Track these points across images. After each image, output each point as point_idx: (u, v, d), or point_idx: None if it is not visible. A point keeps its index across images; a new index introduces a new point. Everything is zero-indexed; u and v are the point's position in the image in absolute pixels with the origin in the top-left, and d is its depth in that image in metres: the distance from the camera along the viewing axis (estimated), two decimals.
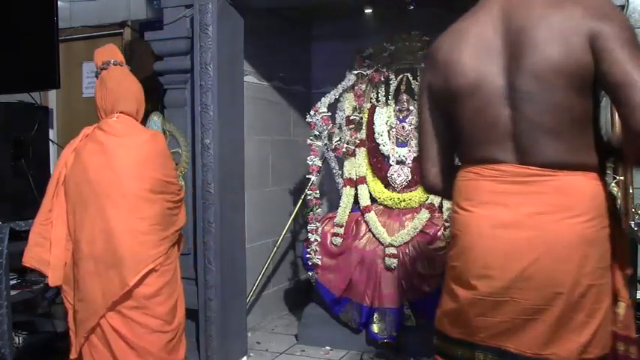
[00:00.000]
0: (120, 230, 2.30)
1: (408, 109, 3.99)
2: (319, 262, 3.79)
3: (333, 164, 4.01)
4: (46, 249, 2.42)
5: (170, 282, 2.43)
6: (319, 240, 3.81)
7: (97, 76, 2.59)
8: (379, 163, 4.02)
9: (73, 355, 2.43)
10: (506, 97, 1.60)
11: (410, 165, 3.94)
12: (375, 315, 3.67)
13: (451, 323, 1.74)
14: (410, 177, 3.93)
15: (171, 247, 2.48)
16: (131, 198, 2.31)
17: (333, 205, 4.32)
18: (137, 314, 2.31)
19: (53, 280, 2.42)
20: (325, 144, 3.89)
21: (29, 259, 2.42)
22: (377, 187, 4.00)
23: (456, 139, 1.77)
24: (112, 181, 2.33)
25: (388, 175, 3.97)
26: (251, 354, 3.83)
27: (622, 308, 1.67)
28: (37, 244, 2.43)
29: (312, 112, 3.81)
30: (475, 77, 1.63)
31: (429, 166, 1.82)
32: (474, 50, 1.65)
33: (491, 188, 1.64)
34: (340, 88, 3.99)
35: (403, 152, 3.96)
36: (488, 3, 1.68)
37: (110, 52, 2.64)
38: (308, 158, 3.82)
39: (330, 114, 3.87)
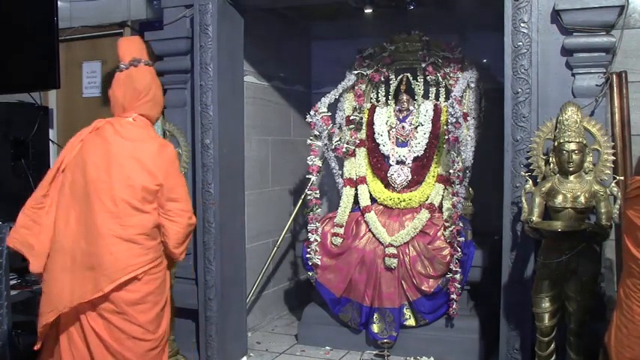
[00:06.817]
0: (104, 234, 2.24)
1: (408, 109, 3.98)
2: (319, 262, 3.79)
3: (333, 164, 4.01)
4: (34, 233, 2.32)
5: (156, 291, 2.34)
6: (319, 240, 3.81)
7: (120, 70, 2.40)
8: (379, 163, 4.01)
9: (37, 346, 2.34)
10: None
11: (410, 165, 3.93)
12: (375, 315, 3.67)
13: None
14: (410, 177, 3.92)
15: (161, 255, 2.38)
16: (120, 204, 2.25)
17: (333, 205, 4.32)
18: (118, 319, 2.27)
19: (35, 267, 2.31)
20: (325, 144, 3.89)
21: (13, 241, 2.34)
22: (377, 187, 4.00)
23: None
24: (106, 184, 2.27)
25: (388, 175, 3.97)
26: (251, 354, 3.83)
27: None
28: (25, 226, 2.32)
29: (312, 112, 3.80)
30: None
31: None
32: None
33: None
34: (340, 88, 3.99)
35: (403, 152, 3.96)
36: None
37: (140, 48, 2.48)
38: (308, 158, 3.82)
39: (330, 114, 3.87)
